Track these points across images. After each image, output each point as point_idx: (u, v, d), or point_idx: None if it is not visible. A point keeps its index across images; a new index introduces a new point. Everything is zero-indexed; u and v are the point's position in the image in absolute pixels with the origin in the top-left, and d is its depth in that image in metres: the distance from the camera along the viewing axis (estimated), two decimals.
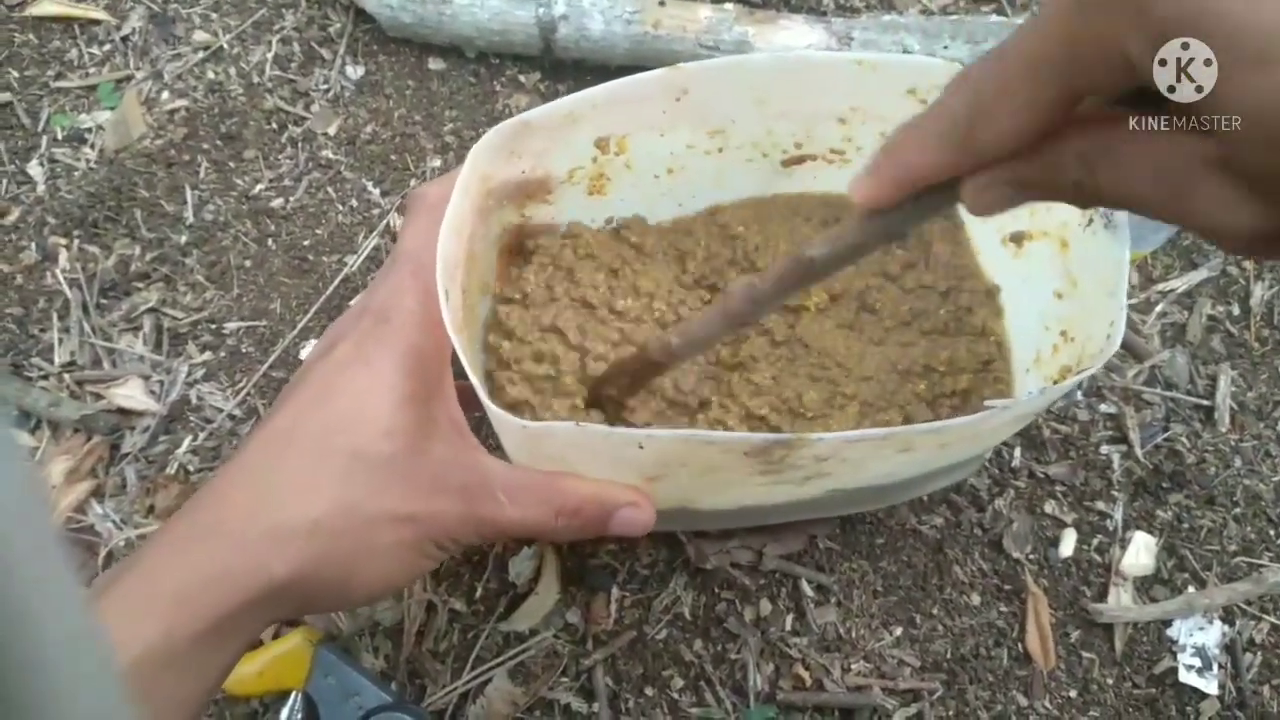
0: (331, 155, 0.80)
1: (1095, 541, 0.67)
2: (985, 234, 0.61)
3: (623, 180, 0.59)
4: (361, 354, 0.44)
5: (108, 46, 0.85)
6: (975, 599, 0.65)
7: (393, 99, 0.83)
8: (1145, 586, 0.66)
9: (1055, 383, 0.51)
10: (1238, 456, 0.70)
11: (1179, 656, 0.64)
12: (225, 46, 0.85)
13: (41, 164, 0.79)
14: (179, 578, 0.39)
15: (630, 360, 0.52)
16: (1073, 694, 0.63)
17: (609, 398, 0.54)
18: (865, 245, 0.38)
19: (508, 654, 0.62)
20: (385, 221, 0.77)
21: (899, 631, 0.64)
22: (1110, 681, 0.63)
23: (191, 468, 0.68)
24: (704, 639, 0.63)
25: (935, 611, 0.65)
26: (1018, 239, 0.57)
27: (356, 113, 0.82)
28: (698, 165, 0.60)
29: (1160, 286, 0.76)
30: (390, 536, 0.42)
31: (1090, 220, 0.50)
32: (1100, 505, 0.68)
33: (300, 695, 0.57)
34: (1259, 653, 0.65)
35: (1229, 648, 0.64)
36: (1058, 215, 0.54)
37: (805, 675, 0.62)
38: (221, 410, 0.70)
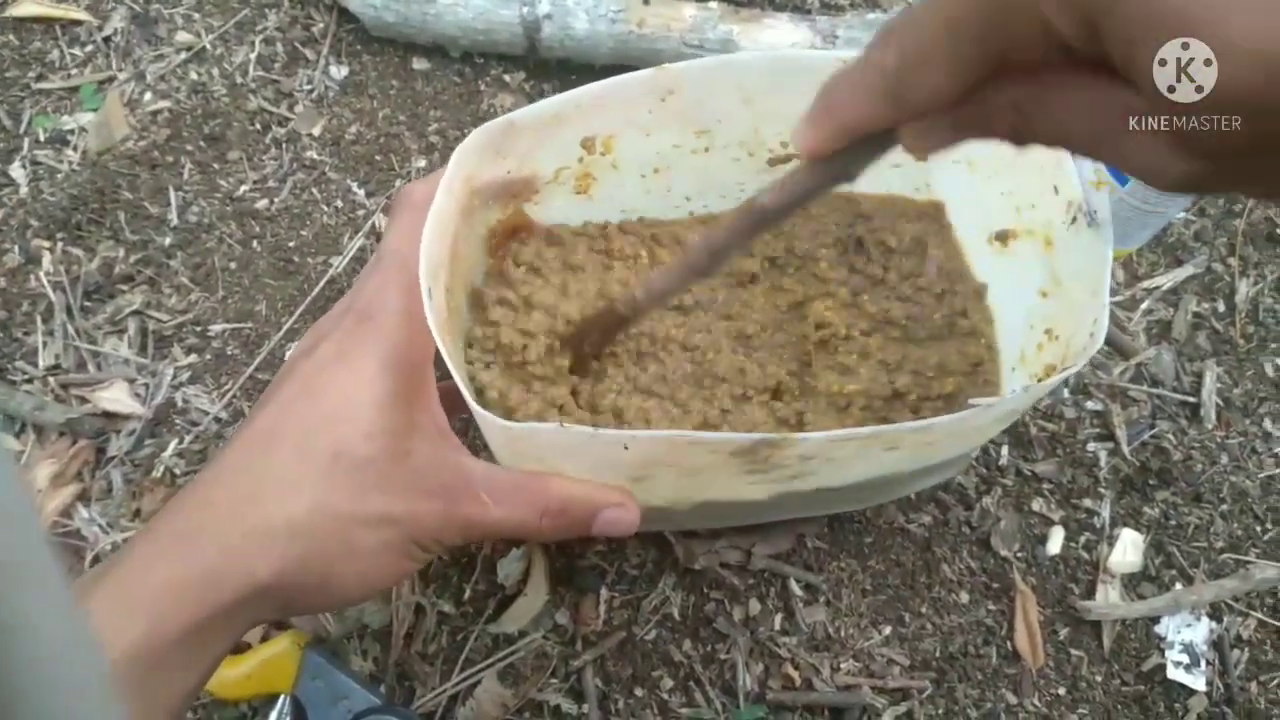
0: (316, 156, 0.80)
1: (1083, 539, 0.67)
2: (971, 234, 0.61)
3: (609, 180, 0.59)
4: (344, 354, 0.44)
5: (89, 47, 0.84)
6: (964, 597, 0.65)
7: (377, 99, 0.83)
8: (1133, 584, 0.66)
9: (1040, 381, 0.51)
10: (1224, 453, 0.70)
11: (1167, 653, 0.64)
12: (208, 47, 0.84)
13: (24, 166, 0.78)
14: (161, 579, 0.39)
15: (598, 315, 0.53)
16: (1061, 691, 0.63)
17: (583, 359, 0.55)
18: (813, 190, 0.39)
19: (497, 656, 0.62)
20: (370, 222, 0.77)
21: (888, 630, 0.64)
22: (1099, 679, 0.63)
23: (178, 471, 0.67)
24: (693, 639, 0.63)
25: (924, 610, 0.65)
26: (1002, 238, 0.57)
27: (341, 113, 0.82)
28: (684, 165, 0.59)
29: (1146, 284, 0.76)
30: (372, 538, 0.42)
31: (1074, 219, 0.50)
32: (1087, 503, 0.68)
33: (288, 699, 0.57)
34: (1246, 649, 0.65)
35: (1217, 644, 0.65)
36: (1042, 214, 0.54)
37: (795, 675, 0.62)
38: (207, 413, 0.69)
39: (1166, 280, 0.76)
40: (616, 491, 0.48)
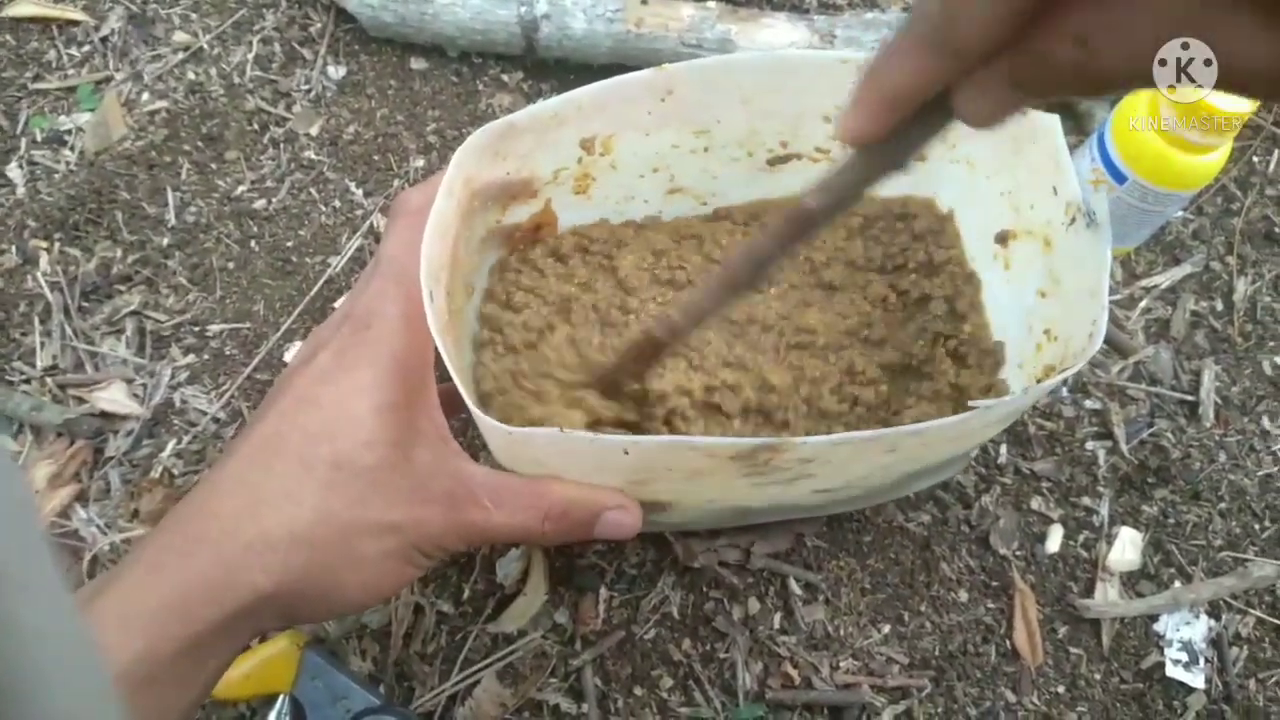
0: (314, 156, 0.80)
1: (1082, 537, 0.67)
2: (971, 234, 0.61)
3: (608, 181, 0.59)
4: (342, 362, 0.44)
5: (87, 48, 0.84)
6: (963, 596, 0.65)
7: (375, 99, 0.83)
8: (1132, 582, 0.66)
9: (1039, 381, 0.52)
10: (1222, 451, 0.70)
11: (1166, 651, 0.64)
12: (205, 47, 0.84)
13: (21, 166, 0.78)
14: (162, 591, 0.39)
15: (636, 345, 0.51)
16: (1060, 689, 0.63)
17: (618, 386, 0.53)
18: (862, 184, 0.36)
19: (496, 655, 0.62)
20: (368, 222, 0.77)
21: (887, 629, 0.64)
22: (1098, 677, 0.64)
23: (176, 471, 0.67)
24: (692, 638, 0.63)
25: (923, 609, 0.65)
26: (1003, 239, 0.57)
27: (338, 113, 0.82)
28: (683, 165, 0.59)
29: (1144, 282, 0.76)
30: (374, 546, 0.42)
31: (1073, 219, 0.50)
32: (1086, 501, 0.68)
33: (287, 699, 0.56)
34: (1245, 647, 0.65)
35: (1215, 642, 0.65)
36: (1041, 214, 0.54)
37: (794, 673, 0.62)
38: (205, 413, 0.69)
39: (1165, 279, 0.77)
40: (618, 494, 0.47)
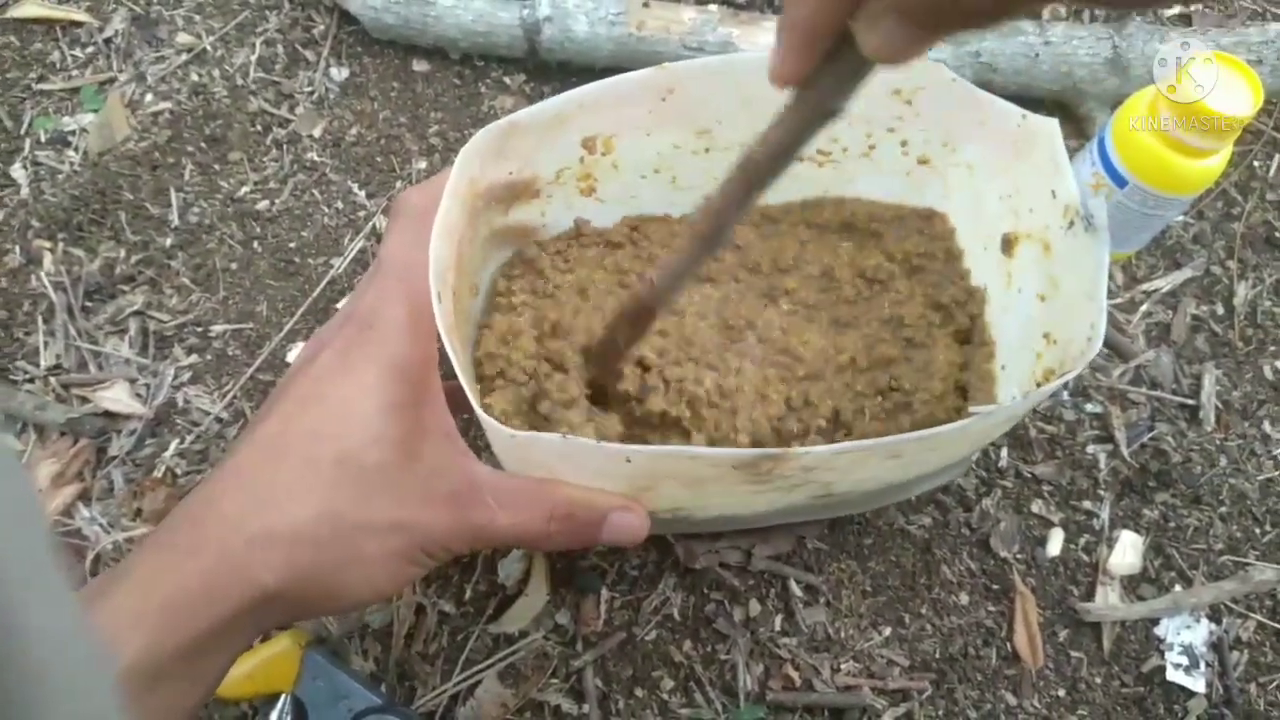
0: (316, 157, 0.80)
1: (1082, 541, 0.67)
2: (971, 238, 0.61)
3: (610, 181, 0.59)
4: (346, 362, 0.44)
5: (90, 49, 0.84)
6: (963, 598, 0.65)
7: (377, 101, 0.83)
8: (1132, 585, 0.66)
9: (1039, 386, 0.52)
10: (1223, 455, 0.71)
11: (1166, 655, 0.64)
12: (209, 48, 0.84)
13: (25, 167, 0.79)
14: (166, 589, 0.39)
15: (621, 314, 0.51)
16: (1061, 693, 0.63)
17: (608, 358, 0.53)
18: (800, 130, 0.37)
19: (497, 656, 0.62)
20: (371, 223, 0.77)
21: (888, 631, 0.64)
22: (1098, 680, 0.64)
23: (179, 471, 0.67)
24: (693, 640, 0.63)
25: (924, 611, 0.65)
26: (1007, 244, 0.57)
27: (341, 115, 0.82)
28: (685, 165, 0.60)
29: (1144, 286, 0.76)
30: (379, 545, 0.42)
31: (1071, 223, 0.50)
32: (1087, 504, 0.68)
33: (289, 698, 0.56)
34: (1246, 651, 0.65)
35: (1216, 646, 0.65)
36: (1040, 218, 0.54)
37: (795, 675, 0.62)
38: (208, 413, 0.69)
39: (1165, 283, 0.77)
40: (623, 497, 0.48)
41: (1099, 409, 0.71)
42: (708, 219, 0.43)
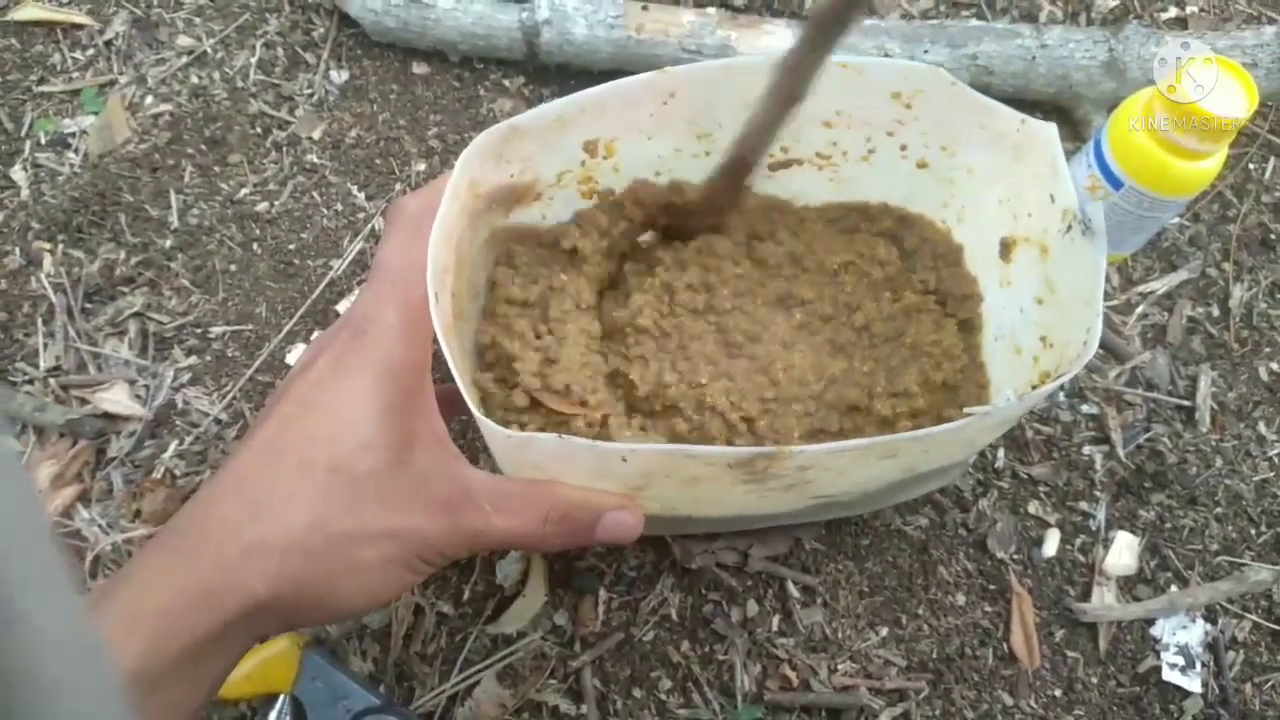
0: (316, 159, 0.80)
1: (1078, 541, 0.68)
2: (971, 241, 0.61)
3: (611, 184, 0.59)
4: (340, 367, 0.44)
5: (91, 51, 0.85)
6: (960, 599, 0.65)
7: (377, 103, 0.83)
8: (1128, 586, 0.67)
9: (1035, 388, 0.52)
10: (1219, 456, 0.71)
11: (1162, 655, 0.65)
12: (209, 51, 0.85)
13: (25, 169, 0.79)
14: (164, 595, 0.39)
15: (721, 169, 0.55)
16: (1057, 693, 0.63)
17: (719, 205, 0.58)
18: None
19: (496, 656, 0.62)
20: (370, 225, 0.77)
21: (885, 632, 0.64)
22: (1094, 680, 0.64)
23: (178, 472, 0.68)
24: (691, 640, 0.63)
25: (921, 612, 0.65)
26: (1006, 248, 0.58)
27: (341, 117, 0.82)
28: (686, 169, 0.60)
29: (1140, 288, 0.77)
30: (373, 552, 0.42)
31: (1069, 227, 0.50)
32: (1083, 505, 0.69)
33: (288, 699, 0.57)
34: (1241, 651, 0.65)
35: (1212, 646, 0.65)
36: (1038, 222, 0.54)
37: (792, 676, 0.62)
38: (207, 415, 0.70)
39: (1161, 285, 0.77)
40: (619, 496, 0.48)
41: (1095, 410, 0.72)
42: (787, 74, 0.46)
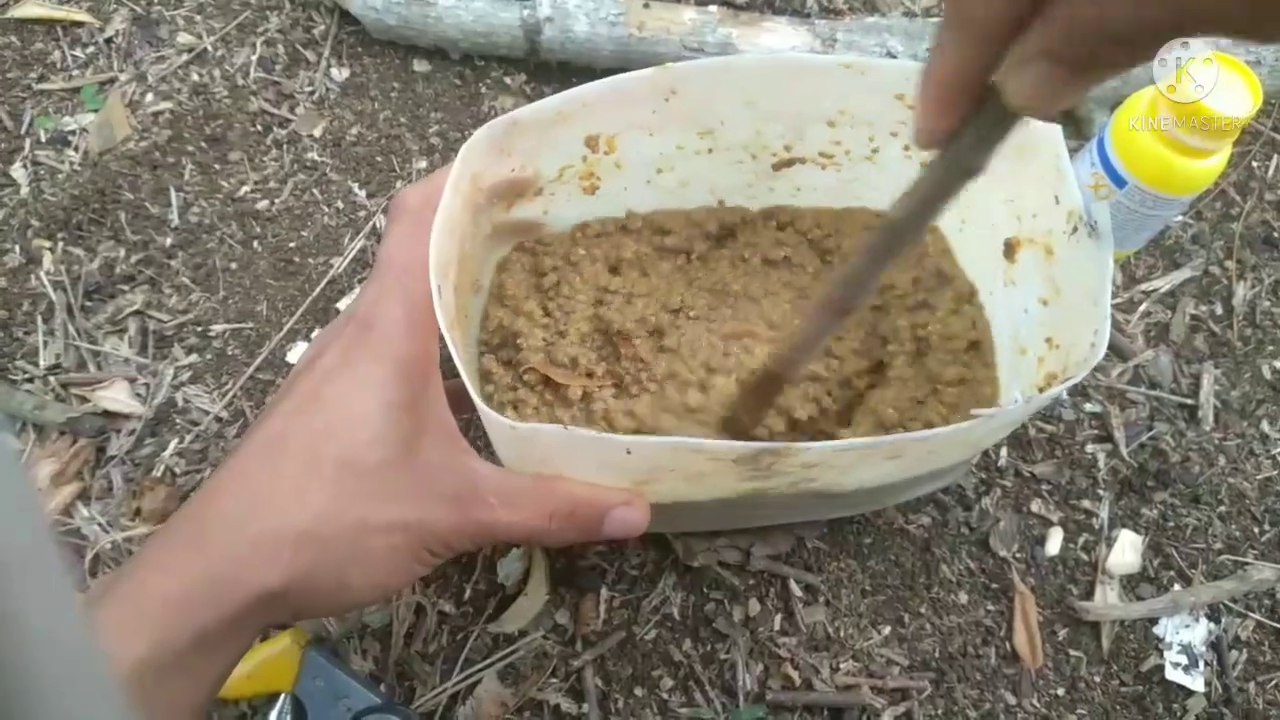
0: (317, 157, 0.80)
1: (1081, 540, 0.67)
2: (975, 243, 0.61)
3: (613, 180, 0.59)
4: (347, 362, 0.44)
5: (91, 49, 0.84)
6: (963, 598, 0.65)
7: (378, 101, 0.83)
8: (1131, 585, 0.67)
9: (1041, 390, 0.52)
10: (1222, 455, 0.71)
11: (1165, 654, 0.64)
12: (209, 49, 0.84)
13: (25, 166, 0.79)
14: (170, 587, 0.39)
15: (752, 383, 0.52)
16: (1060, 692, 0.63)
17: (741, 425, 0.54)
18: (939, 190, 0.36)
19: (497, 655, 0.62)
20: (371, 223, 0.77)
21: (887, 631, 0.64)
22: (1097, 679, 0.64)
23: (178, 470, 0.67)
24: (693, 639, 0.63)
25: (923, 610, 0.65)
26: (1009, 249, 0.57)
27: (342, 115, 0.82)
28: (688, 166, 0.60)
29: (1144, 286, 0.77)
30: (381, 543, 0.42)
31: (1075, 228, 0.50)
32: (1086, 504, 0.68)
33: (289, 698, 0.57)
34: (1244, 650, 0.65)
35: (1215, 645, 0.65)
36: (1043, 223, 0.54)
37: (794, 675, 0.62)
38: (208, 413, 0.69)
39: (1164, 283, 0.77)
40: (624, 492, 0.48)
41: (1098, 408, 0.72)
42: (845, 287, 0.42)
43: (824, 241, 0.62)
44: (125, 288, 0.74)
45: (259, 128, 0.81)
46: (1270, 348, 0.75)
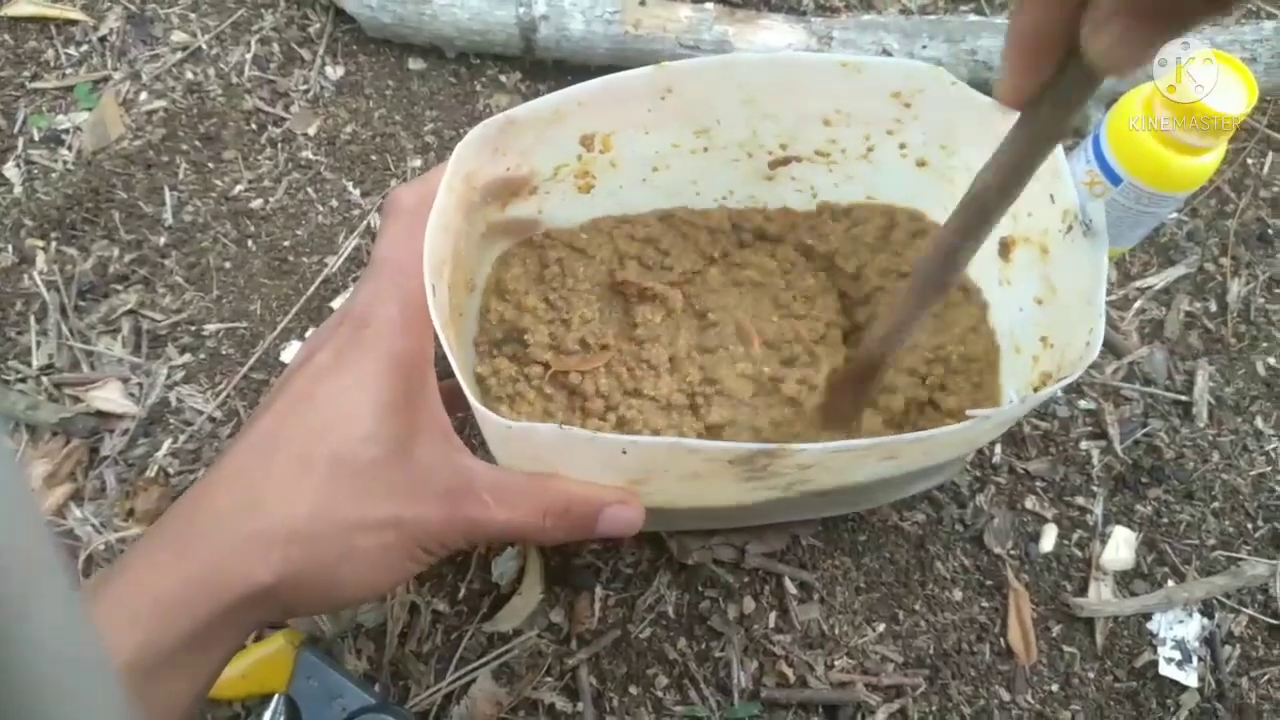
0: (311, 156, 0.80)
1: (1075, 536, 0.68)
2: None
3: (608, 178, 0.59)
4: (341, 360, 0.44)
5: (85, 47, 0.84)
6: (957, 595, 0.65)
7: (373, 99, 0.83)
8: (1125, 581, 0.67)
9: (1036, 389, 0.52)
10: (1216, 451, 0.71)
11: (1159, 650, 0.64)
12: (204, 47, 0.84)
13: (18, 165, 0.78)
14: (162, 583, 0.39)
15: (845, 372, 0.52)
16: (1054, 688, 0.63)
17: (842, 413, 0.55)
18: (1030, 153, 0.36)
19: (491, 654, 0.62)
20: (366, 222, 0.77)
21: (882, 628, 0.64)
22: (1091, 675, 0.64)
23: (171, 470, 0.67)
24: (688, 637, 0.63)
25: (918, 607, 0.65)
26: (1004, 248, 0.57)
27: (336, 113, 0.82)
28: (684, 164, 0.60)
29: (1138, 283, 0.77)
30: (374, 541, 0.42)
31: (1070, 227, 0.50)
32: (1080, 500, 0.69)
33: (283, 698, 0.56)
34: (1238, 645, 0.65)
35: (1208, 640, 0.65)
36: (1038, 222, 0.54)
37: (789, 672, 0.62)
38: (202, 413, 0.69)
39: (1159, 280, 0.77)
40: (619, 490, 0.48)
41: (1092, 405, 0.72)
42: (937, 262, 0.42)
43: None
44: (119, 287, 0.74)
45: (253, 126, 0.81)
46: (1264, 344, 0.75)
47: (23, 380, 0.70)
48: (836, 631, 0.64)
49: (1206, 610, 0.66)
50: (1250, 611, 0.66)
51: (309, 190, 0.78)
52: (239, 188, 0.78)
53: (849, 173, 0.62)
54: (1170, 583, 0.66)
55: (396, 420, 0.43)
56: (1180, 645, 0.65)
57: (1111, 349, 0.74)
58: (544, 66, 0.84)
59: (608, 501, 0.47)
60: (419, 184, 0.48)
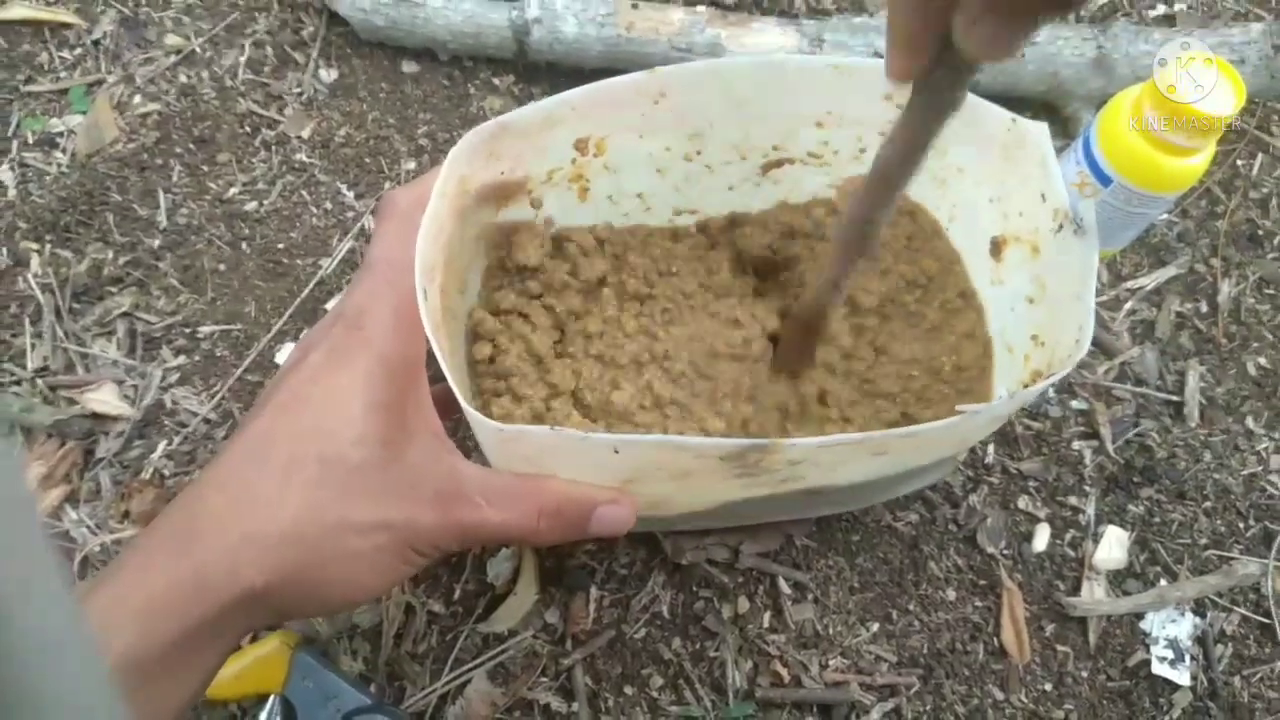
0: (305, 158, 0.80)
1: (1068, 536, 0.68)
2: (963, 241, 0.61)
3: (603, 183, 0.59)
4: (333, 362, 0.44)
5: (79, 50, 0.84)
6: (950, 594, 0.66)
7: (366, 102, 0.83)
8: (1118, 580, 0.67)
9: (1026, 386, 0.52)
10: (1207, 451, 0.71)
11: (1152, 649, 0.65)
12: (197, 50, 0.84)
13: (12, 168, 0.78)
14: (153, 586, 0.39)
15: (791, 324, 0.56)
16: (1048, 687, 0.63)
17: (792, 366, 0.57)
18: (923, 125, 0.39)
19: (487, 655, 0.62)
20: (360, 224, 0.77)
21: (876, 627, 0.64)
22: (1084, 674, 0.64)
23: (166, 472, 0.67)
24: (682, 637, 0.63)
25: (911, 607, 0.65)
26: (996, 247, 0.58)
27: (330, 116, 0.82)
28: (678, 168, 0.60)
29: (1129, 284, 0.77)
30: (366, 543, 0.42)
31: (1060, 226, 0.50)
32: (1073, 500, 0.69)
33: (278, 699, 0.57)
34: (1230, 644, 0.66)
35: (1200, 639, 0.65)
36: (1029, 221, 0.54)
37: (783, 672, 0.62)
38: (196, 414, 0.69)
39: (1150, 281, 0.77)
40: (611, 490, 0.48)
41: (1084, 406, 0.72)
42: (852, 229, 0.45)
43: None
44: (113, 289, 0.74)
45: (247, 129, 0.81)
46: (1255, 344, 0.76)
47: (18, 383, 0.70)
48: (831, 631, 0.64)
49: (1199, 609, 0.66)
50: (1242, 610, 0.66)
51: (303, 193, 0.79)
52: (233, 190, 0.78)
53: (842, 174, 0.62)
54: (1163, 582, 0.67)
55: (388, 422, 0.43)
56: (1173, 644, 0.65)
57: (1103, 349, 0.74)
58: (537, 69, 0.85)
59: (600, 501, 0.47)
60: (414, 186, 0.48)
